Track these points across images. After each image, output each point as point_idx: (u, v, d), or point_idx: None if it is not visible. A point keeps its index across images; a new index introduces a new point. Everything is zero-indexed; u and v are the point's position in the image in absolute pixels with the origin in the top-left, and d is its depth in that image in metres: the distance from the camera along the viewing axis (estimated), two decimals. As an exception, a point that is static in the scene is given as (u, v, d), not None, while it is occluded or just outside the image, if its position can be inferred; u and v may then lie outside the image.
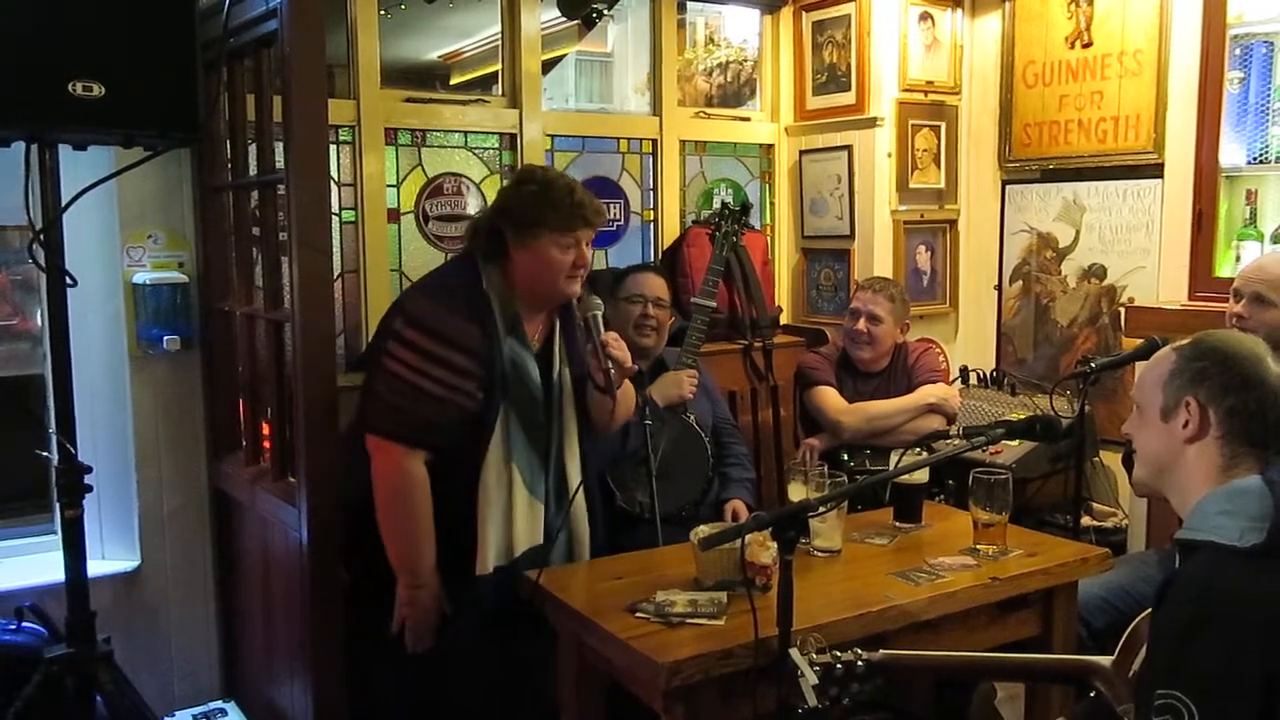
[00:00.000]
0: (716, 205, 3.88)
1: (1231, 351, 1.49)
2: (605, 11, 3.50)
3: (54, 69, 2.07)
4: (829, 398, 3.35)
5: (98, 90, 2.10)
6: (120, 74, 2.13)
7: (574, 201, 2.32)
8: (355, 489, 2.35)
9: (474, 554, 2.29)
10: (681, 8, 3.93)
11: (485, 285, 2.34)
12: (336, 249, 3.11)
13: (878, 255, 3.82)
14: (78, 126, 2.14)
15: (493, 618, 2.31)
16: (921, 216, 3.95)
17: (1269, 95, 3.21)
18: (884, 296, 3.36)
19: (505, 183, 2.42)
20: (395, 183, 3.32)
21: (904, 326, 3.44)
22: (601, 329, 2.33)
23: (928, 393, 3.32)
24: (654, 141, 3.83)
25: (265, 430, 2.81)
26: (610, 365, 2.29)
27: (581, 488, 2.43)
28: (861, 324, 3.36)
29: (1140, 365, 2.46)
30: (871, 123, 3.77)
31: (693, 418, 3.08)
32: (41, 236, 2.20)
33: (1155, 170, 3.47)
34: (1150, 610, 1.50)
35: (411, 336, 2.26)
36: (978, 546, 2.36)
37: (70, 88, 2.08)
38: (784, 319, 4.03)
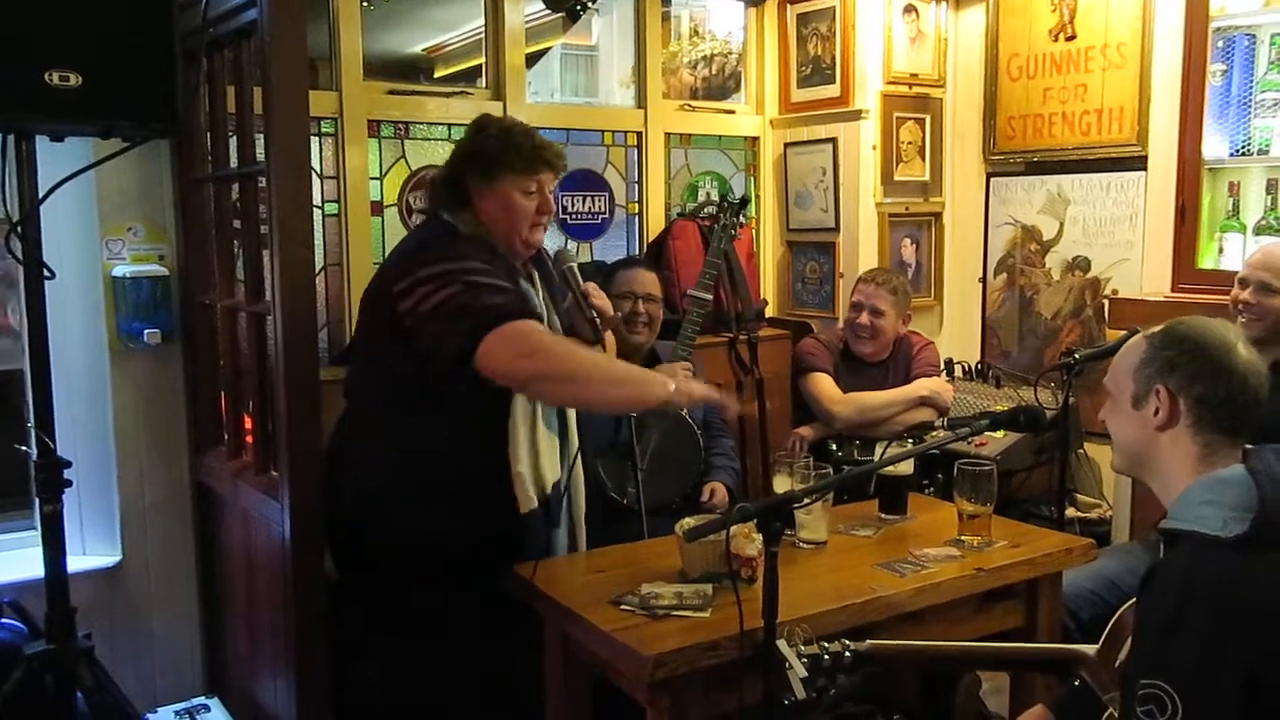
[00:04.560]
0: (701, 198, 3.87)
1: (1201, 339, 1.49)
2: (590, 4, 3.50)
3: (30, 58, 2.04)
4: (824, 386, 3.35)
5: (75, 80, 2.08)
6: (98, 64, 2.10)
7: (535, 144, 2.31)
8: (350, 486, 2.34)
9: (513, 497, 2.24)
10: (666, 1, 3.92)
11: (463, 231, 2.29)
12: (319, 242, 3.09)
13: (863, 248, 3.83)
14: (54, 117, 2.11)
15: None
16: (906, 209, 3.95)
17: (1251, 87, 3.22)
18: (886, 290, 3.37)
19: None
20: (378, 175, 3.30)
21: (905, 318, 3.45)
22: (580, 280, 2.33)
23: (922, 385, 3.33)
24: (639, 134, 3.82)
25: (247, 424, 2.79)
26: (594, 314, 2.29)
27: (579, 444, 2.42)
28: (864, 317, 3.36)
29: (1121, 356, 2.47)
30: (856, 115, 3.77)
31: (685, 410, 3.07)
32: (19, 229, 2.17)
33: (1139, 163, 3.48)
34: (1135, 600, 1.50)
35: (428, 272, 2.12)
36: (962, 538, 2.36)
37: (47, 77, 2.05)
38: (769, 312, 4.03)
